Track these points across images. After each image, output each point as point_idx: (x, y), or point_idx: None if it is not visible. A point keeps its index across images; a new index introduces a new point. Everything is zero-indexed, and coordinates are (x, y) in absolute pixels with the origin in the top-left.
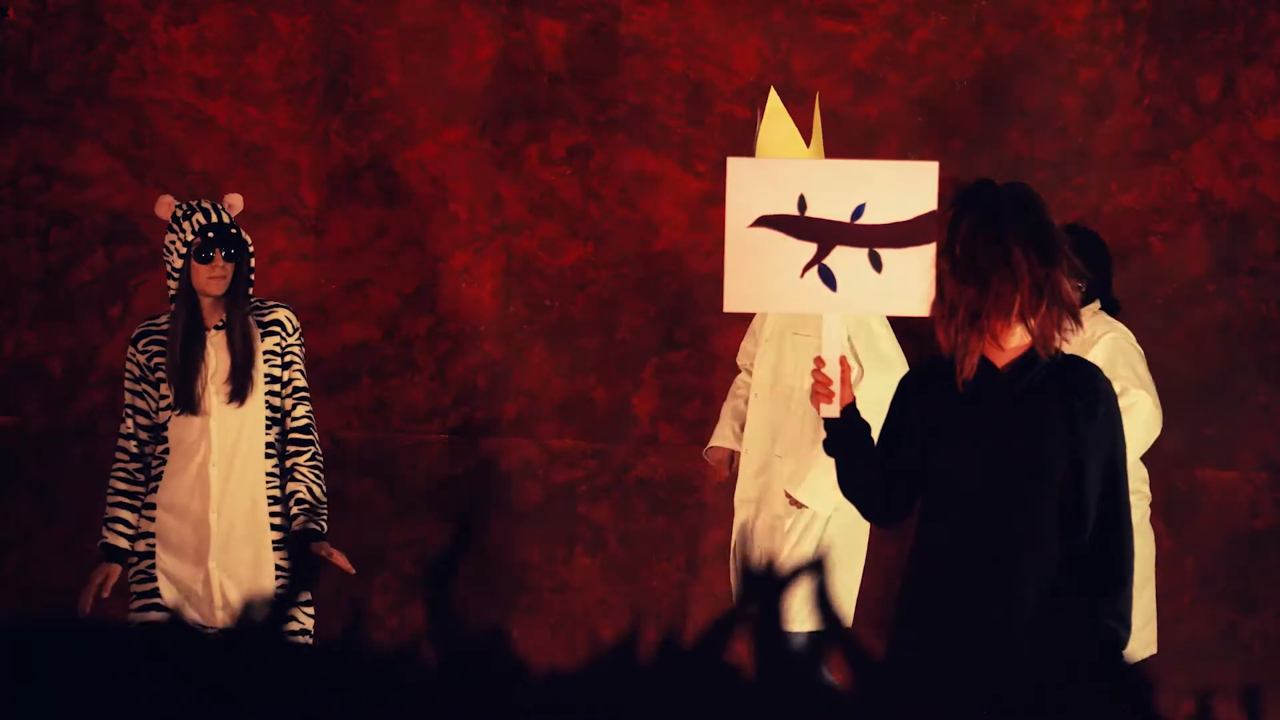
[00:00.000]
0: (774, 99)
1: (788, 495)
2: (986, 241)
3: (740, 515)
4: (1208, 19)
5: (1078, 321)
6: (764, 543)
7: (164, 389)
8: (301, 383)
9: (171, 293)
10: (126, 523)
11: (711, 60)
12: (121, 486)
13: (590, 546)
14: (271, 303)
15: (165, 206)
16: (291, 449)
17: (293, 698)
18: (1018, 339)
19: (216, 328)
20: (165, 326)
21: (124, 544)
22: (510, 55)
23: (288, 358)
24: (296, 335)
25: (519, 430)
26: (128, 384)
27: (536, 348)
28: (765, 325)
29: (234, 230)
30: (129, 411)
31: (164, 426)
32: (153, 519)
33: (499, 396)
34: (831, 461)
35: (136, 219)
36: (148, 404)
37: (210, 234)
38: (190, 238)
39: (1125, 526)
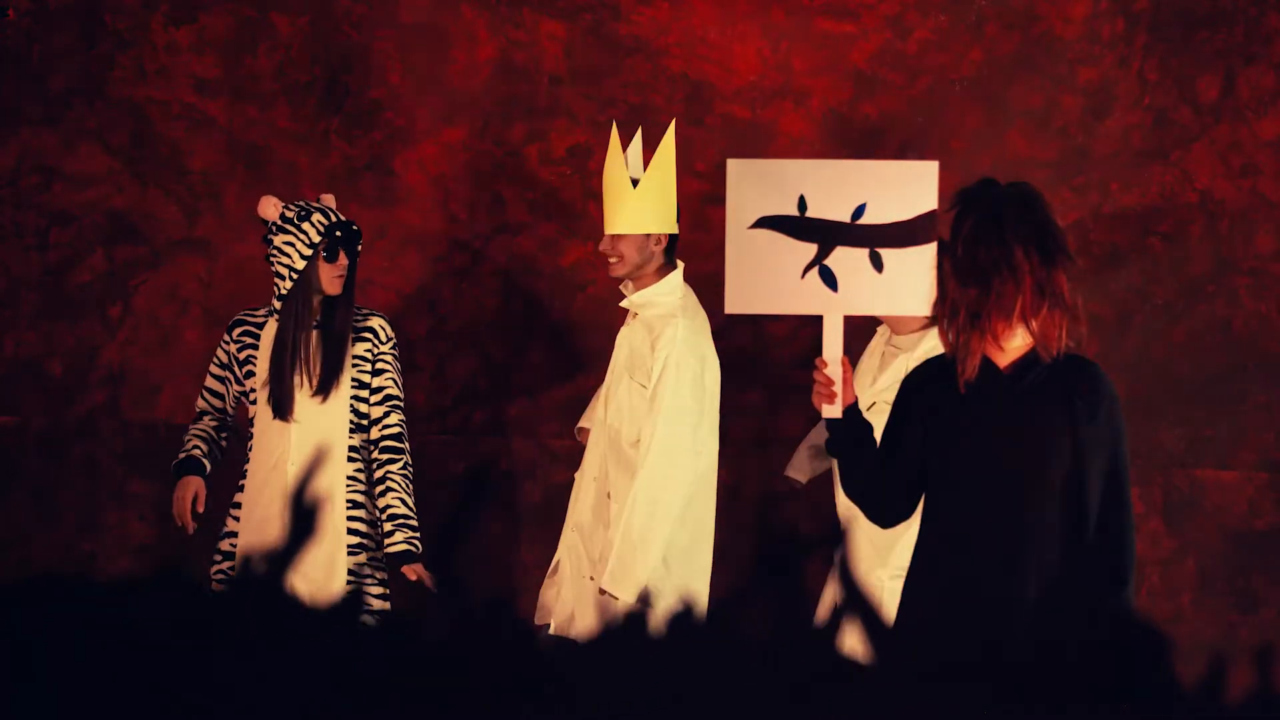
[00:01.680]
0: (613, 137)
1: (600, 588)
2: (988, 241)
3: (569, 539)
4: (1208, 19)
5: (1080, 322)
6: (585, 568)
7: (250, 383)
8: (394, 391)
9: (281, 291)
10: (200, 448)
11: (711, 60)
12: (195, 429)
13: None
14: (366, 310)
15: (273, 207)
16: (385, 457)
17: (290, 656)
18: (1019, 340)
19: (313, 326)
20: (262, 320)
21: (201, 458)
22: (510, 55)
23: (379, 365)
24: (390, 344)
25: (519, 430)
26: (212, 368)
27: (536, 348)
28: (615, 358)
29: (355, 228)
30: (205, 393)
31: (242, 417)
32: (237, 518)
33: (499, 396)
34: (635, 544)
35: (136, 219)
36: (226, 389)
37: (339, 233)
38: (316, 238)
39: (1127, 527)
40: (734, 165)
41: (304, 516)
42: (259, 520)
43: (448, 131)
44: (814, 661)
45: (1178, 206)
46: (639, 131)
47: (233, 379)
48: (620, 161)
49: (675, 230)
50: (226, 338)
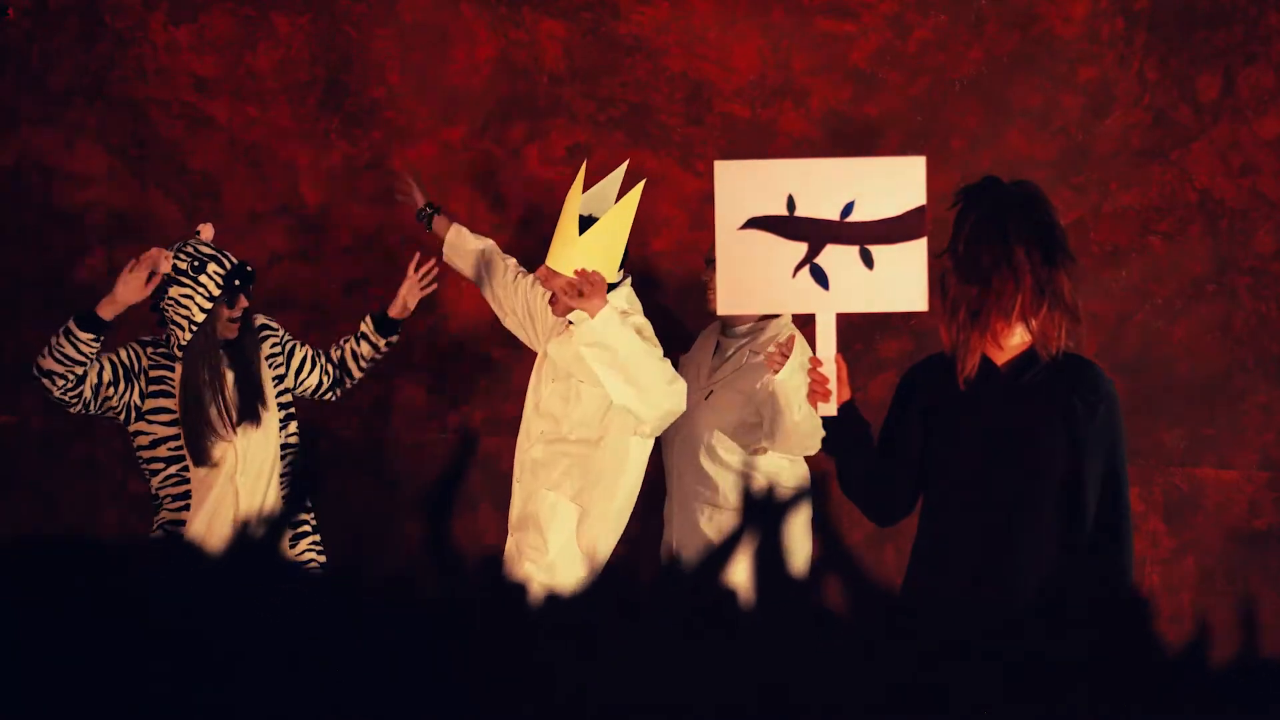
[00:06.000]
0: (580, 173)
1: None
2: (989, 240)
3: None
4: (1207, 19)
5: (1079, 322)
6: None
7: (155, 402)
8: (306, 350)
9: (182, 341)
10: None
11: (711, 60)
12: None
13: None
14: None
15: (165, 259)
16: (337, 355)
17: (291, 614)
18: (1019, 338)
19: (223, 368)
20: (171, 354)
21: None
22: (510, 55)
23: (289, 346)
24: (282, 330)
25: (518, 430)
26: (108, 356)
27: None
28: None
29: (250, 268)
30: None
31: (101, 404)
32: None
33: (499, 396)
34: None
35: (136, 219)
36: (116, 378)
37: (238, 280)
38: (216, 291)
39: (1124, 527)
40: (722, 167)
41: (299, 487)
42: (223, 532)
43: (447, 131)
44: (797, 613)
45: (1177, 206)
46: (624, 166)
47: (136, 388)
48: (577, 201)
49: (614, 279)
50: (138, 348)
